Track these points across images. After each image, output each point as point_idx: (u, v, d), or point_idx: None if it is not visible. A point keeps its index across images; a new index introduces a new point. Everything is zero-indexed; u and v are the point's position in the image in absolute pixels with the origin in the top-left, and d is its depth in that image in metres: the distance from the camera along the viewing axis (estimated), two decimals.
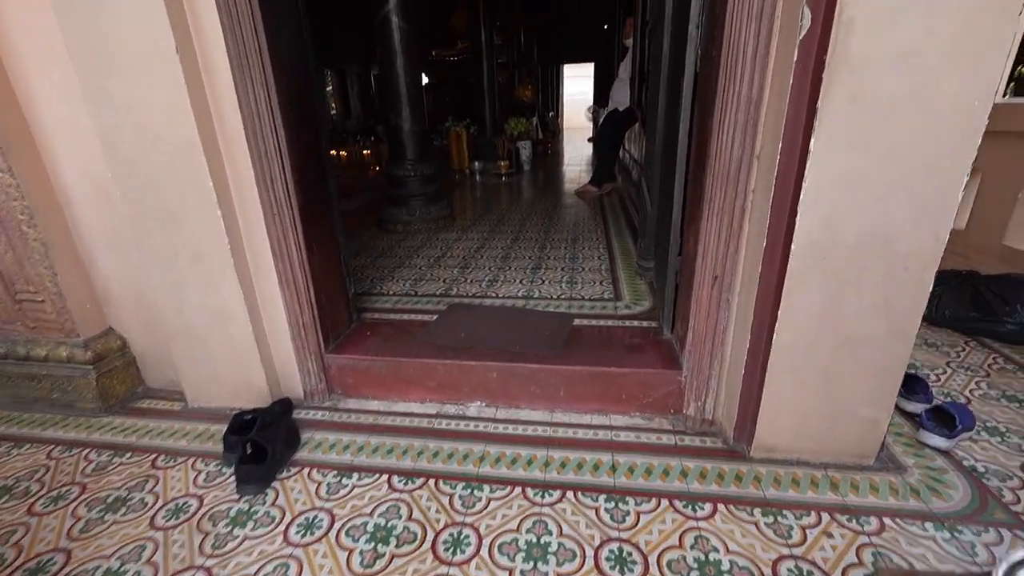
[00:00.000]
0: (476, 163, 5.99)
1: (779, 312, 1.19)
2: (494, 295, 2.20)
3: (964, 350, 1.88)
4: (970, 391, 1.62)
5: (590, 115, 10.83)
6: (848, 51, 0.97)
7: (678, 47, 1.60)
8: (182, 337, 1.60)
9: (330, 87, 13.78)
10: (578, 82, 20.21)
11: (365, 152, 6.73)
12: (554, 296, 2.15)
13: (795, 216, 1.11)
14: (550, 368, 1.56)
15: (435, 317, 1.95)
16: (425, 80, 13.57)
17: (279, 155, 1.41)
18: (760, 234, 1.21)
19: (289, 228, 1.49)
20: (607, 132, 4.36)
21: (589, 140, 12.24)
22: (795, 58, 1.04)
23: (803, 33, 1.02)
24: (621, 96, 4.23)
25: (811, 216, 1.10)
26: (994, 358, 1.82)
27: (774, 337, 1.22)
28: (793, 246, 1.13)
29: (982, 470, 1.29)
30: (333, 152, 7.11)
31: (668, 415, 1.54)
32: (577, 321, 1.88)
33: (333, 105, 13.79)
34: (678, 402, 1.53)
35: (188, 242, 1.45)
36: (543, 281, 2.33)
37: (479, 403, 1.64)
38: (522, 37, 11.79)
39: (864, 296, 1.15)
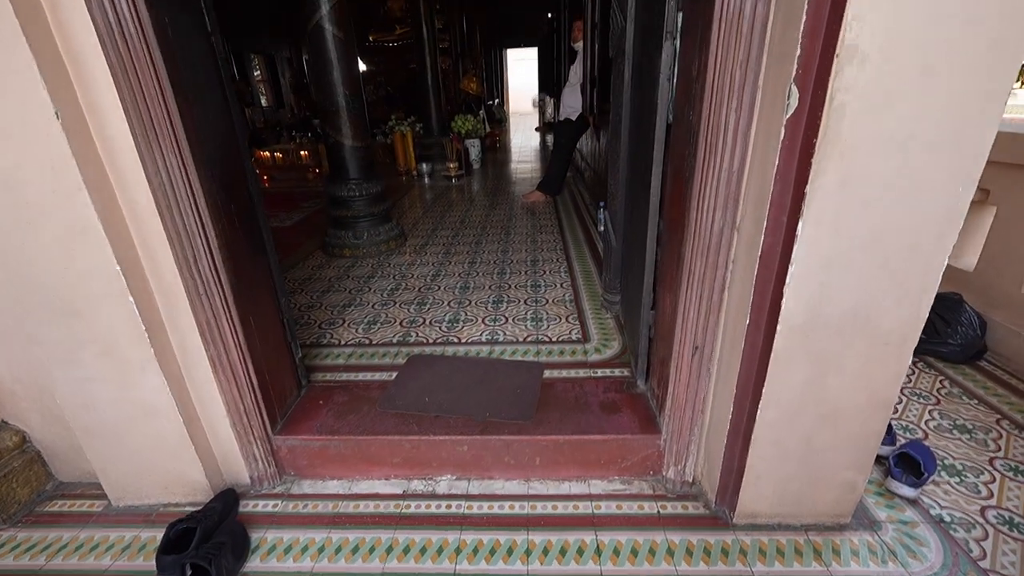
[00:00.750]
0: (423, 165, 5.73)
1: (763, 390, 1.15)
2: (456, 340, 2.07)
3: (913, 372, 1.95)
4: (925, 423, 1.68)
5: (537, 104, 10.71)
6: (839, 136, 0.91)
7: (644, 92, 1.51)
8: (96, 435, 1.37)
9: (258, 73, 12.81)
10: (523, 65, 19.93)
11: (303, 153, 6.27)
12: (520, 339, 2.05)
13: (781, 299, 1.06)
14: (524, 439, 1.47)
15: (394, 376, 1.80)
16: (363, 67, 12.89)
17: (201, 229, 1.20)
18: (742, 308, 1.16)
19: (220, 308, 1.29)
20: (562, 143, 4.26)
21: (536, 129, 12.13)
22: (782, 137, 0.97)
23: (790, 112, 0.95)
24: (573, 102, 4.13)
25: (797, 299, 1.05)
26: (940, 381, 1.90)
27: (758, 413, 1.18)
28: (779, 328, 1.08)
29: (948, 519, 1.32)
30: (267, 154, 6.60)
31: (648, 477, 1.49)
32: (547, 372, 1.79)
33: (263, 95, 12.85)
34: (657, 464, 1.48)
35: (94, 335, 1.22)
36: (507, 319, 2.23)
37: (450, 476, 1.52)
38: (464, 22, 11.41)
39: (846, 372, 1.13)
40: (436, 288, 2.61)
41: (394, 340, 2.08)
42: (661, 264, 1.46)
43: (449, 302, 2.42)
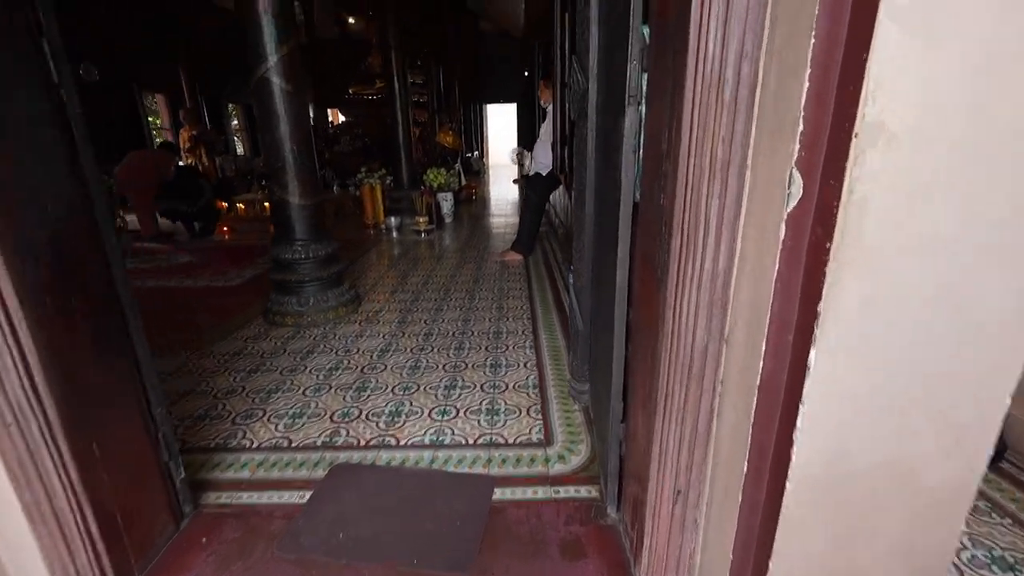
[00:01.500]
0: (392, 219, 5.51)
1: (770, 563, 0.85)
2: (393, 441, 1.72)
3: None
4: (958, 552, 1.38)
5: (515, 157, 10.79)
6: (861, 238, 0.66)
7: (609, 162, 1.28)
8: None
9: (236, 123, 12.76)
10: (503, 118, 20.44)
11: (267, 205, 6.01)
12: (470, 440, 1.72)
13: (790, 444, 0.77)
14: None
15: (307, 497, 1.44)
16: (342, 119, 12.96)
17: (7, 337, 0.88)
18: (736, 447, 0.87)
19: (39, 438, 0.95)
20: (532, 198, 4.08)
21: (514, 182, 12.20)
22: (782, 235, 0.72)
23: (792, 204, 0.70)
24: (543, 158, 4.00)
25: (812, 445, 0.77)
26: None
27: None
28: (789, 481, 0.79)
29: None
30: (226, 205, 6.32)
31: None
32: (499, 490, 1.45)
33: (241, 144, 12.76)
34: None
35: None
36: (458, 412, 1.90)
37: None
38: (441, 78, 11.65)
39: (879, 540, 0.84)
40: (382, 368, 2.28)
41: (318, 442, 1.72)
42: (632, 369, 1.18)
43: (394, 387, 2.09)
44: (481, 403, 1.95)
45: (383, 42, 5.64)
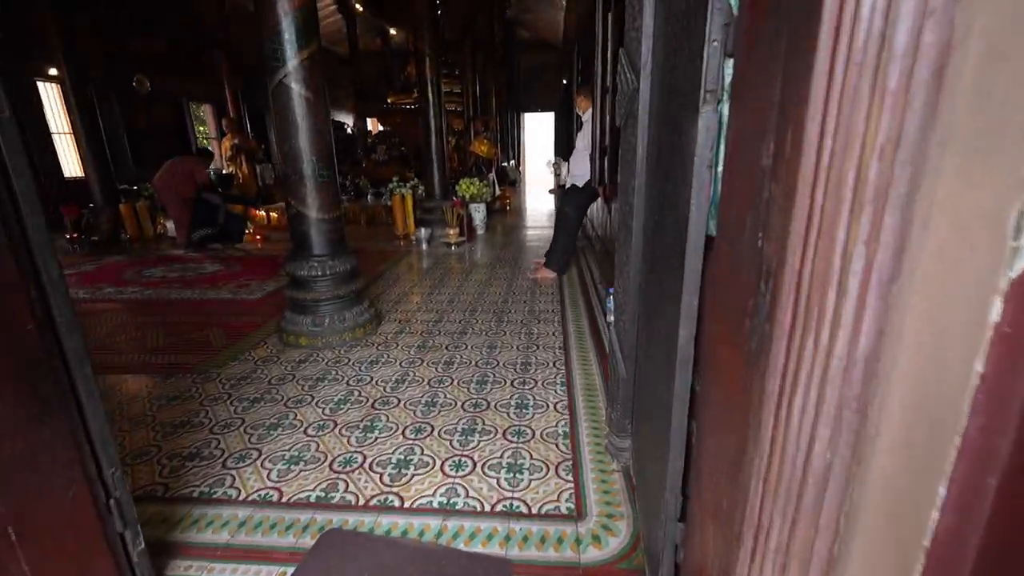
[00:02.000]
0: (422, 230, 5.33)
1: None
2: (397, 501, 1.47)
3: None
4: None
5: (552, 168, 10.55)
6: None
7: (668, 178, 1.00)
8: None
9: None
10: (540, 124, 20.24)
11: None
12: (487, 502, 1.45)
13: None
14: None
15: (289, 575, 1.20)
16: (380, 128, 13.09)
17: None
18: None
19: None
20: (569, 212, 3.80)
21: (550, 192, 11.95)
22: (993, 314, 0.42)
23: (1020, 265, 0.40)
24: (580, 169, 3.72)
25: None
26: None
27: None
28: None
29: None
30: (262, 213, 6.34)
31: None
32: None
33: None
34: None
35: None
36: (475, 464, 1.63)
37: None
38: (478, 87, 11.57)
39: None
40: (394, 403, 2.04)
41: (312, 496, 1.49)
42: (698, 460, 0.88)
43: (405, 428, 1.84)
44: (503, 455, 1.68)
45: (417, 50, 5.51)
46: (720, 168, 0.76)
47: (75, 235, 5.75)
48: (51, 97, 7.47)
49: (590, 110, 3.71)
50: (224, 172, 8.72)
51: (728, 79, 0.73)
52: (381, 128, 12.81)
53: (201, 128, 11.33)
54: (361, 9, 12.78)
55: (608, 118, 3.53)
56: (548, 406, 1.99)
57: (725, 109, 0.74)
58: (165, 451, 1.74)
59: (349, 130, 13.12)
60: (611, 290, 2.12)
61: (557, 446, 1.72)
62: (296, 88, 2.39)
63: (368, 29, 15.52)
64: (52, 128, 7.47)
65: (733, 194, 0.71)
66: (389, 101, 11.36)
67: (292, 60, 2.36)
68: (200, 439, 1.81)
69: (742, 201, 0.67)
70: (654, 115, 1.20)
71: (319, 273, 2.62)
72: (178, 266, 4.72)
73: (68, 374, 0.96)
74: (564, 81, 10.68)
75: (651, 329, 1.21)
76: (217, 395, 2.14)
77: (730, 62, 0.72)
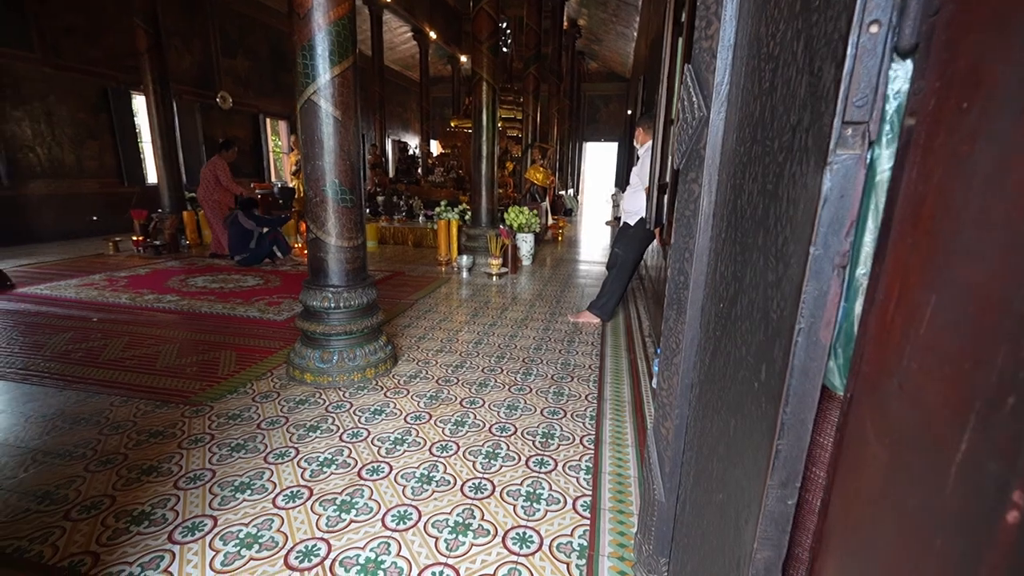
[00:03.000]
0: (464, 257, 5.10)
1: None
2: None
3: None
4: None
5: (612, 198, 10.18)
6: None
7: (743, 243, 0.64)
8: None
9: None
10: (602, 154, 19.94)
11: None
12: None
13: None
14: None
15: None
16: (439, 149, 13.33)
17: None
18: None
19: None
20: (620, 254, 3.42)
21: (607, 223, 11.56)
22: None
23: None
24: (632, 206, 3.35)
25: None
26: None
27: None
28: None
29: None
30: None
31: None
32: None
33: None
34: None
35: None
36: None
37: None
38: (538, 114, 11.48)
39: None
40: (384, 471, 1.73)
41: None
42: None
43: (387, 515, 1.52)
44: (496, 570, 1.31)
45: (474, 74, 5.39)
46: (864, 270, 0.39)
47: (141, 239, 6.02)
48: (139, 108, 8.06)
49: (648, 144, 3.35)
50: (286, 186, 9.00)
51: (898, 102, 0.37)
52: (441, 150, 13.03)
53: (275, 139, 11.93)
54: (434, 37, 13.22)
55: (669, 152, 3.15)
56: (565, 501, 1.60)
57: (884, 156, 0.38)
58: (117, 506, 1.52)
59: (411, 151, 13.41)
60: (659, 350, 1.74)
61: (569, 569, 1.33)
62: (324, 106, 2.22)
63: (440, 56, 16.06)
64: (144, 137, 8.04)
65: (897, 326, 0.34)
66: (452, 125, 11.54)
67: (323, 76, 2.19)
68: (160, 494, 1.58)
69: (927, 348, 0.30)
70: (729, 156, 0.84)
71: (332, 305, 2.39)
72: (221, 276, 4.74)
73: None
74: (628, 112, 10.35)
75: (704, 455, 0.83)
76: (200, 436, 1.92)
77: (900, 75, 0.37)
